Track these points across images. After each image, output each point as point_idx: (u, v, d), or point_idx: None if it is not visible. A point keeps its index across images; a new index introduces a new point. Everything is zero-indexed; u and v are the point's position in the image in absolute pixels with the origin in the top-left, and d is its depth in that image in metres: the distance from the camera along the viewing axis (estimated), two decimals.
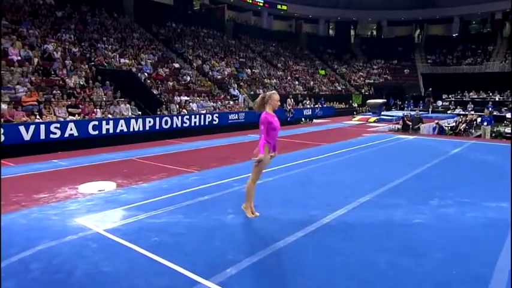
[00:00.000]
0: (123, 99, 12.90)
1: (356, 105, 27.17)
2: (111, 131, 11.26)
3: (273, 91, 4.39)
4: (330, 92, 27.43)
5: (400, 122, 15.15)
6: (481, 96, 26.16)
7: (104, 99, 12.55)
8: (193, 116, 14.12)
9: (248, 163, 7.64)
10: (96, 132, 10.85)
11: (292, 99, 20.36)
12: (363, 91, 30.41)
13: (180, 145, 10.15)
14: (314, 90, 26.17)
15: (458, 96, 27.22)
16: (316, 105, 22.42)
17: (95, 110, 11.67)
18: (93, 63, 14.37)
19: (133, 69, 15.66)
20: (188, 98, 15.81)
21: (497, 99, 25.02)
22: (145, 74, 15.91)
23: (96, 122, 10.94)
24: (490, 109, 21.41)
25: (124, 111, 12.44)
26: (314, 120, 19.35)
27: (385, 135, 12.60)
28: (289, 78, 26.23)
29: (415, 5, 34.35)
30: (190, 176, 6.33)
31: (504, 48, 30.47)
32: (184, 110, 14.65)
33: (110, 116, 11.82)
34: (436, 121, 15.23)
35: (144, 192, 5.33)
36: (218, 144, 10.24)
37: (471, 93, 26.81)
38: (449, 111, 24.22)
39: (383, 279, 2.90)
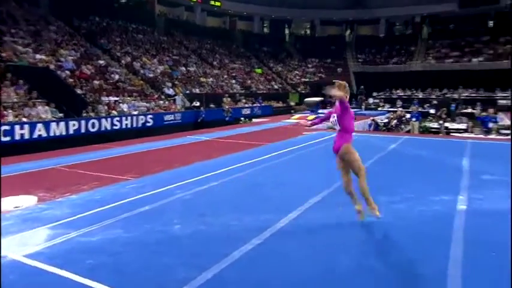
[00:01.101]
0: (40, 100, 11.61)
1: (293, 103, 27.93)
2: (26, 136, 10.05)
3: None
4: (267, 91, 27.82)
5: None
6: (407, 94, 28.59)
7: (16, 100, 11.18)
8: (124, 118, 13.25)
9: (191, 167, 7.41)
10: (8, 138, 9.60)
11: (229, 99, 20.23)
12: (299, 89, 31.38)
13: (112, 150, 9.39)
14: (251, 89, 26.33)
15: (387, 94, 29.43)
16: (255, 104, 22.56)
17: (5, 112, 10.32)
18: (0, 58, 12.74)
19: (52, 66, 14.21)
20: (118, 98, 14.82)
21: (420, 96, 27.51)
22: (66, 71, 14.56)
23: (8, 127, 9.69)
24: (416, 105, 23.47)
25: (42, 113, 11.20)
26: (253, 120, 19.42)
27: (325, 133, 13.03)
28: (225, 76, 26.05)
29: (345, 5, 36.37)
30: (126, 184, 5.82)
31: (424, 48, 33.65)
32: (114, 112, 13.68)
33: (24, 119, 10.55)
34: (371, 118, 16.19)
35: (73, 206, 4.75)
36: (155, 148, 9.67)
37: (398, 91, 29.17)
38: (379, 108, 26.03)
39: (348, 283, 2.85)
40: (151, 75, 19.44)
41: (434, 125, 16.57)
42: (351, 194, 4.13)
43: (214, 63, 27.55)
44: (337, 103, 3.93)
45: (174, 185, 5.63)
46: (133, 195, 5.17)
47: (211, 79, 23.71)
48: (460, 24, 33.96)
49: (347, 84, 3.93)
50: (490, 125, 12.00)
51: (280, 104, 26.19)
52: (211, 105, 19.32)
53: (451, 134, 13.32)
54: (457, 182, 5.83)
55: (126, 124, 13.21)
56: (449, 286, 2.79)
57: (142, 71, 19.28)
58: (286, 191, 5.45)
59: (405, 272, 3.07)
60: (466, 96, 26.44)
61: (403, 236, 3.75)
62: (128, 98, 15.20)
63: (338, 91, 3.77)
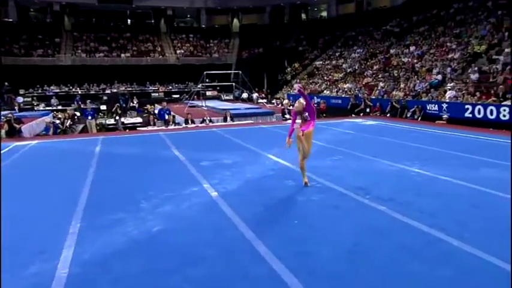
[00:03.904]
0: None
1: None
2: None
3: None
4: None
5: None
6: (64, 90, 27.40)
7: None
8: None
9: None
10: None
11: None
12: None
13: None
14: None
15: (40, 91, 26.97)
16: None
17: None
18: None
19: None
20: None
21: (80, 92, 27.24)
22: None
23: None
24: (79, 102, 23.14)
25: None
26: None
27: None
28: None
29: None
30: None
31: (71, 41, 33.13)
32: None
33: None
34: (47, 119, 14.53)
35: None
36: None
37: (52, 87, 27.39)
38: (36, 108, 23.54)
39: None
40: None
41: (111, 121, 17.19)
42: (303, 169, 5.62)
43: None
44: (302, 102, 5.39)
45: None
46: None
47: None
48: (102, 18, 35.96)
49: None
50: (166, 117, 14.02)
51: None
52: None
53: (136, 129, 14.36)
54: (189, 172, 6.68)
55: None
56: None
57: None
58: (28, 224, 4.24)
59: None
60: (131, 90, 28.68)
61: (190, 236, 4.01)
62: None
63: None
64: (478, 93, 14.10)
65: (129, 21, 37.66)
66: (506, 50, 15.88)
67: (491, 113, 12.46)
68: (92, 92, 28.28)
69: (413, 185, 5.56)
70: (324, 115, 17.06)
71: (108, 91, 27.94)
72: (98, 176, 6.66)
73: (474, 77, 15.57)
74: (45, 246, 3.82)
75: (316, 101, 20.70)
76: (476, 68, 16.07)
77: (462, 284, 2.94)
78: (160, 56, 34.25)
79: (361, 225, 4.13)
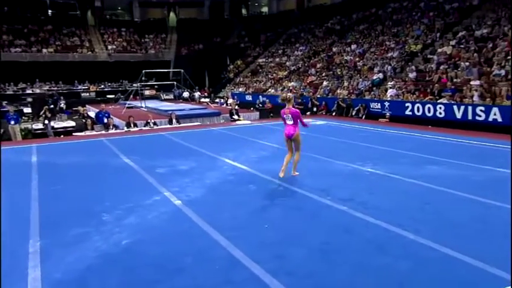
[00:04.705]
0: None
1: None
2: None
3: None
4: None
5: None
6: None
7: None
8: None
9: None
10: None
11: None
12: None
13: None
14: None
15: None
16: None
17: None
18: None
19: None
20: None
21: None
22: None
23: None
24: None
25: None
26: None
27: None
28: None
29: None
30: None
31: None
32: None
33: None
34: None
35: None
36: None
37: None
38: None
39: None
40: None
41: (39, 125, 16.26)
42: (286, 163, 6.61)
43: None
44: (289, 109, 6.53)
45: None
46: None
47: None
48: (17, 8, 33.44)
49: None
50: (105, 120, 13.64)
51: None
52: None
53: (71, 134, 13.80)
54: (146, 181, 6.76)
55: None
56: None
57: None
58: None
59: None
60: (57, 90, 27.13)
61: (163, 246, 4.21)
62: None
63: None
64: (416, 92, 15.60)
65: (49, 12, 35.50)
66: (439, 49, 17.70)
67: (429, 111, 13.88)
68: (9, 93, 26.41)
69: (368, 184, 6.21)
70: (271, 115, 17.71)
71: (29, 91, 26.26)
72: (43, 190, 6.48)
73: (412, 75, 17.15)
74: (5, 268, 3.75)
75: (261, 100, 21.33)
76: (413, 67, 17.70)
77: (421, 273, 3.50)
78: (90, 52, 32.85)
79: (327, 225, 4.62)
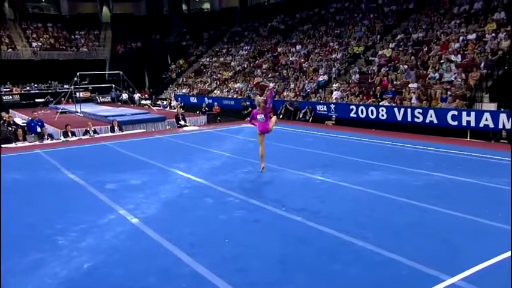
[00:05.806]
0: None
1: None
2: None
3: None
4: None
5: None
6: None
7: None
8: None
9: None
10: None
11: None
12: None
13: None
14: None
15: None
16: None
17: None
18: None
19: None
20: None
21: None
22: None
23: None
24: None
25: None
26: None
27: None
28: None
29: None
30: None
31: None
32: None
33: None
34: None
35: None
36: None
37: None
38: None
39: None
40: None
41: None
42: (262, 157, 8.07)
43: None
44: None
45: None
46: None
47: None
48: None
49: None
50: (39, 129, 13.22)
51: None
52: None
53: None
54: (97, 198, 6.89)
55: None
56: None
57: None
58: None
59: None
60: None
61: (127, 267, 4.52)
62: None
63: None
64: (360, 94, 16.79)
65: None
66: (380, 52, 19.14)
67: (372, 113, 15.06)
68: None
69: (319, 193, 6.86)
70: (219, 119, 18.06)
71: None
72: None
73: (355, 77, 18.39)
74: None
75: (207, 103, 21.60)
76: (356, 69, 18.98)
77: (369, 277, 4.13)
78: (10, 49, 31.04)
79: (284, 236, 5.16)
